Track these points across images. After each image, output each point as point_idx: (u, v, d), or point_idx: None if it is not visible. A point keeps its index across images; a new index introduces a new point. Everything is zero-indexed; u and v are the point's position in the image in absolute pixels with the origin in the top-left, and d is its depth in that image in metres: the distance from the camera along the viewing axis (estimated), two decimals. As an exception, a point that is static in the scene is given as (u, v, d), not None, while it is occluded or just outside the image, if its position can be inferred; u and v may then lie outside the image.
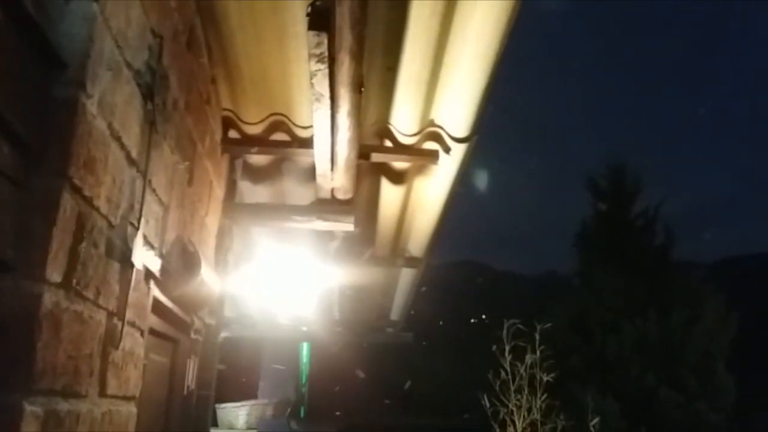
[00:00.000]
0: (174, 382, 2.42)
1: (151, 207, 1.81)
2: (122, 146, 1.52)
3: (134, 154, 1.61)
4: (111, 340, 1.52)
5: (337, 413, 5.17)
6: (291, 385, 5.47)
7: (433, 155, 2.85)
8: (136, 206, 1.66)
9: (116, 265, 1.53)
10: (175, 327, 2.40)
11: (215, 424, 4.82)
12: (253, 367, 5.59)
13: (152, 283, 1.90)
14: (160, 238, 1.93)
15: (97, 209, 1.38)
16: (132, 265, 1.62)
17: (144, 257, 1.76)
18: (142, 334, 1.81)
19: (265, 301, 4.41)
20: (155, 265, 1.88)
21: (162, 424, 2.30)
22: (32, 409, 1.11)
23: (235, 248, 3.09)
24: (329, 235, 3.46)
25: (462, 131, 2.73)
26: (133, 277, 1.64)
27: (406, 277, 4.35)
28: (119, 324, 1.57)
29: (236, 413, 4.78)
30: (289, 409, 4.94)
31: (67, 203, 1.23)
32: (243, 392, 5.33)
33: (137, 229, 1.67)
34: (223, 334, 3.93)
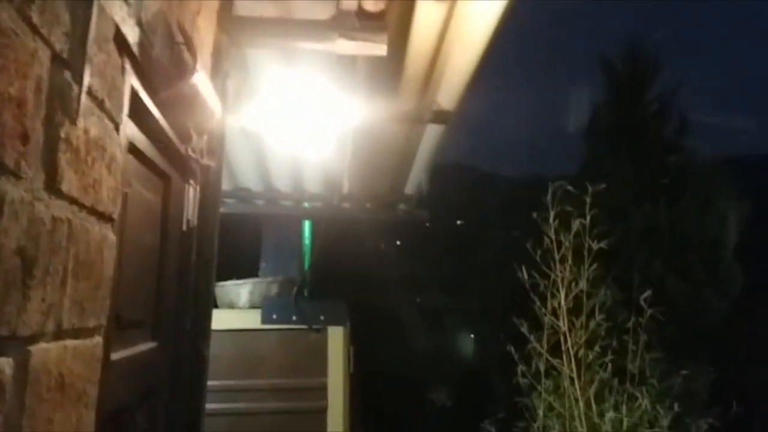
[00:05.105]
0: (168, 224, 1.87)
1: (119, -69, 1.17)
2: None
3: None
4: (62, 100, 0.93)
5: (345, 296, 4.82)
6: (295, 265, 5.04)
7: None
8: None
9: (61, -24, 0.91)
10: (165, 156, 1.83)
11: (215, 305, 4.42)
12: (253, 247, 5.12)
13: (128, 64, 1.29)
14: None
15: None
16: (91, -5, 1.01)
17: (113, 6, 1.14)
18: (116, 129, 1.23)
19: (269, 161, 3.84)
20: (132, 32, 1.27)
21: (156, 272, 1.78)
22: None
23: (233, 76, 2.46)
24: (349, 66, 2.81)
25: None
26: (94, 18, 1.03)
27: (431, 136, 3.76)
28: (75, 86, 0.99)
29: (237, 291, 4.36)
30: (295, 288, 4.53)
31: None
32: (242, 273, 4.93)
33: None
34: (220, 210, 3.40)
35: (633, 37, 10.53)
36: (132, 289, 1.59)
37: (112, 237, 1.22)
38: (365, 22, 2.35)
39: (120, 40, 1.20)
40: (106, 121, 1.15)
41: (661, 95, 10.48)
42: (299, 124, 2.89)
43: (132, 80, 1.34)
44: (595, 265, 3.32)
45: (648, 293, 3.59)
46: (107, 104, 1.14)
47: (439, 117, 3.49)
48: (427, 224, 5.52)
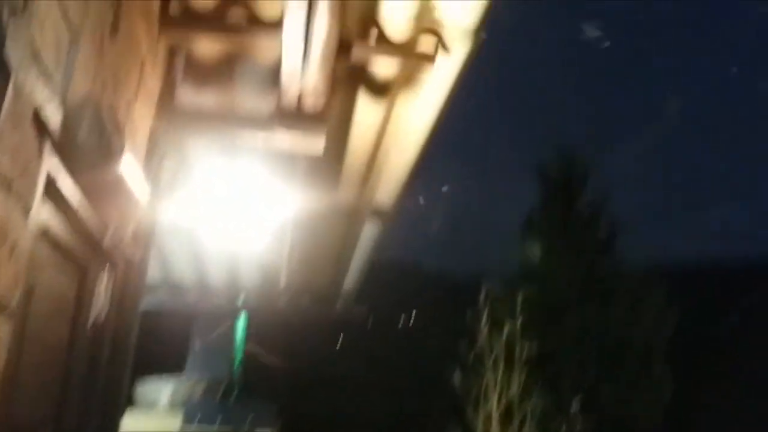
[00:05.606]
0: (80, 317, 1.74)
1: (50, 13, 1.16)
2: None
3: None
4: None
5: (276, 397, 4.55)
6: (224, 362, 4.77)
7: (427, 56, 2.29)
8: (21, -13, 1.01)
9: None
10: (84, 244, 1.73)
11: (132, 404, 4.09)
12: (181, 341, 4.81)
13: (48, 145, 1.24)
14: (63, 79, 1.28)
15: None
16: (7, 70, 0.97)
17: (34, 86, 1.11)
18: (26, 213, 1.15)
19: (204, 252, 3.73)
20: (54, 114, 1.23)
21: (61, 369, 1.62)
22: None
23: (169, 163, 2.41)
24: (288, 159, 2.82)
25: (467, 21, 2.18)
26: (9, 96, 0.99)
27: (369, 232, 3.77)
28: (-22, 164, 0.92)
29: (159, 390, 4.02)
30: (222, 389, 4.25)
31: None
32: (168, 368, 4.60)
33: (23, 28, 1.02)
34: (147, 305, 3.26)
35: (566, 147, 11.15)
36: (29, 390, 1.44)
37: (5, 330, 1.10)
38: (304, 119, 2.38)
39: (39, 121, 1.16)
40: (14, 203, 1.08)
41: (592, 202, 11.01)
42: (237, 215, 2.85)
43: (50, 163, 1.28)
44: (526, 370, 3.29)
45: (578, 399, 3.56)
46: (16, 186, 1.08)
47: (378, 213, 3.52)
48: (368, 321, 5.40)
